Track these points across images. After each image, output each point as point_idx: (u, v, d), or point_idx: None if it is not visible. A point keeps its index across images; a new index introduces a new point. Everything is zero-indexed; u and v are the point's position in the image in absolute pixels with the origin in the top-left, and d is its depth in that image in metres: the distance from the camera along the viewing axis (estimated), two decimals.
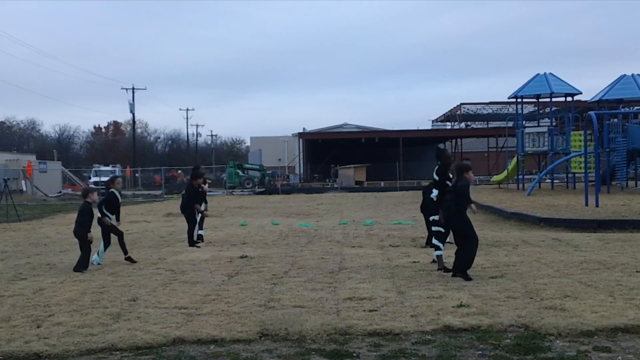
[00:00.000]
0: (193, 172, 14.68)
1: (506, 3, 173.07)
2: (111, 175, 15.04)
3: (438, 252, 9.77)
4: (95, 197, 11.23)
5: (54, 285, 9.13)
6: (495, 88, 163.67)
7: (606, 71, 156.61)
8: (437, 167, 9.98)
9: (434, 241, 9.97)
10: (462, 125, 68.77)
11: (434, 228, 10.09)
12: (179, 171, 66.52)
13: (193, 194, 14.07)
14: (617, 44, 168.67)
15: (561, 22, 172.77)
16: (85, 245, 10.62)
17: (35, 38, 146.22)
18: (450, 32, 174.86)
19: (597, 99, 32.50)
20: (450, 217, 9.07)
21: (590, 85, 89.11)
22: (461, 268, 8.82)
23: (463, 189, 9.00)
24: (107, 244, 11.37)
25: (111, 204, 11.38)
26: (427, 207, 11.30)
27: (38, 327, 6.58)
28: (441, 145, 73.13)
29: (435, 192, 9.89)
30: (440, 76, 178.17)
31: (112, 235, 11.35)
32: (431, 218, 10.40)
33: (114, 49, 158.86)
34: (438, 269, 9.54)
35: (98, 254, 11.29)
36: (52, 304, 7.71)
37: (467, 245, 8.87)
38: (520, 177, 35.16)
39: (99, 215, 11.20)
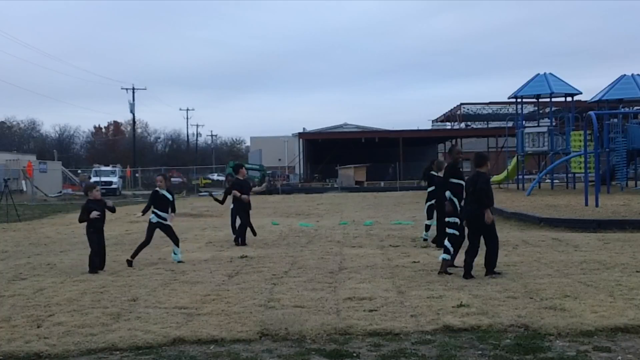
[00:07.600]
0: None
1: (503, 3, 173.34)
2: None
3: (445, 256, 9.39)
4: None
5: (54, 285, 9.13)
6: (493, 88, 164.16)
7: (600, 72, 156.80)
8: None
9: (446, 243, 9.55)
10: (462, 125, 68.73)
11: (449, 230, 9.66)
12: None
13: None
14: (611, 45, 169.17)
15: (555, 23, 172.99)
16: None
17: (36, 38, 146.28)
18: (448, 33, 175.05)
19: (597, 99, 32.50)
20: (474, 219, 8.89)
21: (585, 85, 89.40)
22: (491, 268, 8.99)
23: (484, 186, 8.80)
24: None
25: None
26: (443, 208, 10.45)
27: (38, 327, 6.58)
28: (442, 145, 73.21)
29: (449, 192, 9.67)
30: (439, 76, 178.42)
31: None
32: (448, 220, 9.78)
33: (113, 49, 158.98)
34: (439, 272, 9.24)
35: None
36: (52, 304, 7.71)
37: (493, 245, 8.95)
38: (520, 177, 35.17)
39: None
